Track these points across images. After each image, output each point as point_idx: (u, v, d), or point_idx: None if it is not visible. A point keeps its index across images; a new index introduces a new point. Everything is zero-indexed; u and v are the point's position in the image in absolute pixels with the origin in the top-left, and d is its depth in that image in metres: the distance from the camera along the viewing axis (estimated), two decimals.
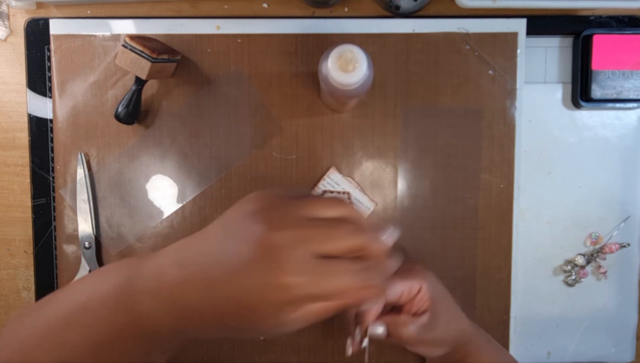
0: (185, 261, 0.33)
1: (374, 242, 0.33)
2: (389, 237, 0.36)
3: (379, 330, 0.47)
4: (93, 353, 0.34)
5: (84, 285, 0.37)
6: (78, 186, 0.55)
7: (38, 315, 0.36)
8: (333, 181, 0.56)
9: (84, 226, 0.56)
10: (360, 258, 0.33)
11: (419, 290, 0.48)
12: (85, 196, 0.55)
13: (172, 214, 0.56)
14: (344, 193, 0.56)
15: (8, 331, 0.37)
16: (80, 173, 0.55)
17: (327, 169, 0.56)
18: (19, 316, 0.38)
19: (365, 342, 0.46)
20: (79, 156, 0.55)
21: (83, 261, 0.56)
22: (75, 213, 0.56)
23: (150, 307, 0.33)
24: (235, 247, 0.32)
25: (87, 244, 0.56)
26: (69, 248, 0.56)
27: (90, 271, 0.56)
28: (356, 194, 0.56)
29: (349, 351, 0.47)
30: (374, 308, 0.46)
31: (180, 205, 0.56)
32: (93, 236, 0.56)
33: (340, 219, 0.34)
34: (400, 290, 0.47)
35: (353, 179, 0.56)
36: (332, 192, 0.56)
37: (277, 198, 0.34)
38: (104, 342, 0.34)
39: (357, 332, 0.47)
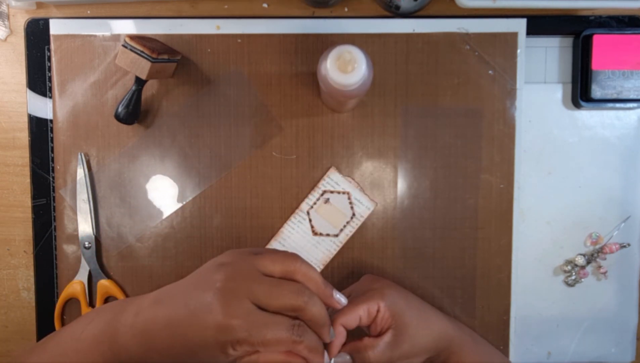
0: (160, 301, 0.40)
1: (311, 305, 0.38)
2: (337, 300, 0.41)
3: (345, 360, 0.46)
4: None
5: (80, 322, 0.43)
6: (78, 186, 0.55)
7: (41, 351, 0.42)
8: (333, 181, 0.56)
9: (84, 226, 0.56)
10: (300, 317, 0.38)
11: (378, 310, 0.47)
12: (85, 196, 0.55)
13: (172, 214, 0.56)
14: (343, 192, 0.56)
15: None
16: (80, 173, 0.55)
17: (327, 169, 0.56)
18: (25, 353, 0.44)
19: None
20: (79, 156, 0.56)
21: (83, 262, 0.56)
22: (75, 213, 0.56)
23: (127, 338, 0.39)
24: (198, 292, 0.38)
25: (87, 244, 0.56)
26: (69, 248, 0.56)
27: (90, 271, 0.56)
28: (356, 194, 0.56)
29: None
30: (336, 341, 0.45)
31: (180, 205, 0.56)
32: (93, 236, 0.56)
33: (290, 279, 0.39)
34: (357, 315, 0.46)
35: (353, 179, 0.56)
36: (331, 192, 0.56)
37: (243, 254, 0.41)
38: None
39: None
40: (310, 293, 0.39)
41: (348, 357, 0.47)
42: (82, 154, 0.56)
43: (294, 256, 0.40)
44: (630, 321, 0.59)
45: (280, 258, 0.40)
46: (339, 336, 0.45)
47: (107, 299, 0.57)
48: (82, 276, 0.56)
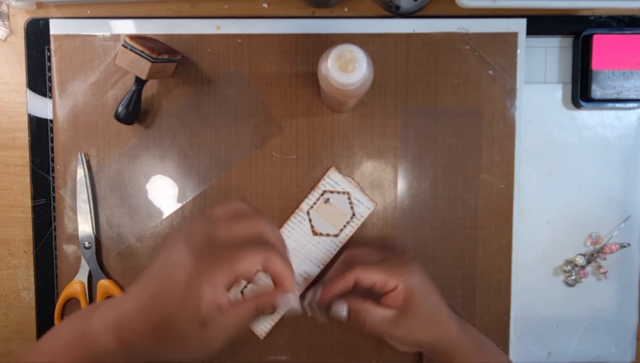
0: (128, 292, 0.39)
1: (269, 229, 0.40)
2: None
3: (341, 309, 0.48)
4: None
5: (65, 322, 0.42)
6: (78, 186, 0.55)
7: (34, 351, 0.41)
8: (333, 181, 0.56)
9: (84, 226, 0.56)
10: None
11: (395, 288, 0.47)
12: (85, 196, 0.55)
13: (172, 214, 0.56)
14: (343, 192, 0.56)
15: None
16: (80, 173, 0.55)
17: (327, 169, 0.56)
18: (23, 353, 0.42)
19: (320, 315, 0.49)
20: (79, 156, 0.55)
21: (83, 261, 0.56)
22: (75, 213, 0.56)
23: (101, 333, 0.38)
24: (160, 268, 0.38)
25: (87, 244, 0.56)
26: (69, 248, 0.56)
27: (90, 271, 0.56)
28: (356, 194, 0.56)
29: (309, 313, 0.50)
30: (339, 284, 0.47)
31: (180, 205, 0.56)
32: (93, 236, 0.56)
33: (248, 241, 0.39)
34: (374, 279, 0.47)
35: (353, 179, 0.56)
36: (331, 192, 0.56)
37: (200, 226, 0.39)
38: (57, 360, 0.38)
39: (317, 309, 0.48)
40: (266, 222, 0.40)
41: (344, 307, 0.48)
42: (82, 154, 0.56)
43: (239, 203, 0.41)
44: (630, 321, 0.59)
45: (227, 208, 0.41)
46: (345, 283, 0.47)
47: (107, 299, 0.57)
48: (82, 276, 0.56)
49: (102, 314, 0.39)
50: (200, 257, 0.37)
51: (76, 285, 0.56)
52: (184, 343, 0.37)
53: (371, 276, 0.47)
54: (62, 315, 0.57)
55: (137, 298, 0.38)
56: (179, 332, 0.36)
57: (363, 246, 0.54)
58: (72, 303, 0.57)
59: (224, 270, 0.36)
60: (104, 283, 0.56)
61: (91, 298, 0.57)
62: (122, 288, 0.57)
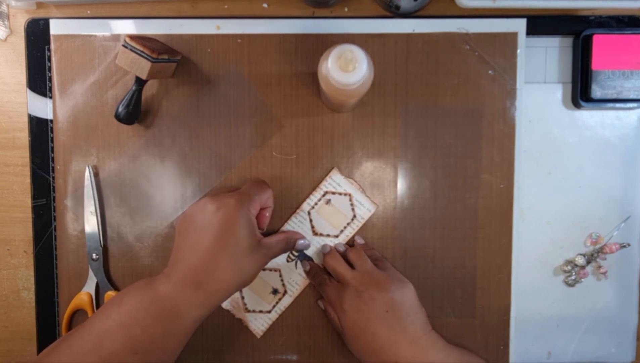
0: (183, 252, 0.47)
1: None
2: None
3: (320, 303, 0.56)
4: (125, 333, 0.43)
5: (103, 312, 0.46)
6: (86, 199, 0.55)
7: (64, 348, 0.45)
8: (335, 183, 0.56)
9: (92, 238, 0.55)
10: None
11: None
12: (92, 209, 0.55)
13: (172, 214, 0.56)
14: (345, 194, 0.56)
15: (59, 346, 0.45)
16: (88, 185, 0.55)
17: (327, 169, 0.56)
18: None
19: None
20: (87, 169, 0.55)
21: (90, 273, 0.56)
22: (75, 214, 0.56)
23: (170, 289, 0.45)
24: (216, 218, 0.47)
25: (94, 256, 0.56)
26: (69, 248, 0.56)
27: (97, 283, 0.56)
28: (357, 196, 0.56)
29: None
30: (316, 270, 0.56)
31: (180, 205, 0.56)
32: (101, 249, 0.56)
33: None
34: (341, 268, 0.54)
35: (355, 181, 0.56)
36: (333, 193, 0.56)
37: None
38: (133, 322, 0.43)
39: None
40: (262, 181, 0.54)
41: (321, 303, 0.56)
42: (90, 166, 0.55)
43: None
44: (630, 321, 0.59)
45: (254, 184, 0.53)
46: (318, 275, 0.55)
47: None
48: (89, 287, 0.56)
49: (165, 281, 0.45)
50: (235, 197, 0.47)
51: (84, 297, 0.56)
52: (250, 264, 0.47)
53: (326, 304, 0.55)
54: (69, 327, 0.57)
55: (201, 252, 0.45)
56: (246, 254, 0.46)
57: (356, 252, 0.55)
58: (79, 315, 0.57)
59: (254, 200, 0.49)
60: (111, 295, 0.56)
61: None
62: None
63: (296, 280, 0.56)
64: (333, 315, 0.54)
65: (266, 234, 0.54)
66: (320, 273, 0.55)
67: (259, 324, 0.57)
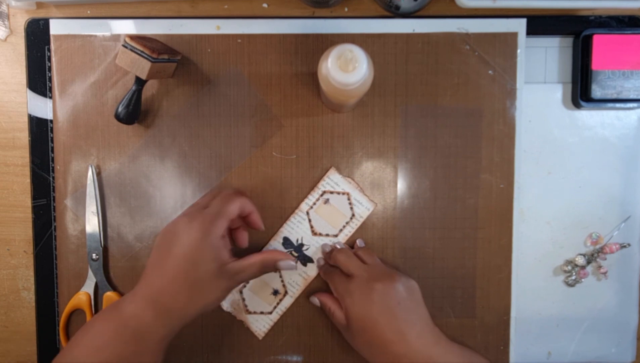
0: (150, 273, 0.48)
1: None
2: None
3: (315, 301, 0.56)
4: (98, 356, 0.44)
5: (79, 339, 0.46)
6: (87, 198, 0.55)
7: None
8: (333, 182, 0.56)
9: (92, 238, 0.56)
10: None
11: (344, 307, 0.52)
12: (94, 209, 0.55)
13: (172, 214, 0.56)
14: (343, 193, 0.56)
15: None
16: (90, 184, 0.55)
17: (327, 169, 0.56)
18: None
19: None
20: (90, 168, 0.55)
21: (90, 273, 0.56)
22: (75, 214, 0.56)
23: (133, 309, 0.45)
24: (180, 241, 0.47)
25: (94, 256, 0.56)
26: (69, 248, 0.56)
27: (96, 283, 0.56)
28: (355, 195, 0.56)
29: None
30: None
31: (180, 205, 0.56)
32: (101, 249, 0.56)
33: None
34: (324, 302, 0.54)
35: (353, 179, 0.56)
36: (331, 193, 0.56)
37: (185, 210, 0.52)
38: (103, 345, 0.44)
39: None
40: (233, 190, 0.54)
41: (316, 301, 0.55)
42: (93, 166, 0.55)
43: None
44: (630, 321, 0.59)
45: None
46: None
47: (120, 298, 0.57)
48: (88, 287, 0.56)
49: (131, 300, 0.46)
50: (199, 219, 0.47)
51: (82, 296, 0.56)
52: (211, 290, 0.47)
53: (323, 299, 0.55)
54: (67, 326, 0.57)
55: (163, 272, 0.46)
56: (206, 279, 0.46)
57: (364, 250, 0.55)
58: (77, 314, 0.57)
59: (219, 219, 0.47)
60: (110, 295, 0.56)
61: (97, 309, 0.57)
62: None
63: (296, 280, 0.56)
64: (333, 309, 0.53)
65: (263, 237, 0.54)
66: (328, 266, 0.55)
67: (260, 325, 0.57)
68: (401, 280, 0.51)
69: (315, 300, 0.55)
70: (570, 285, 0.58)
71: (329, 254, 0.55)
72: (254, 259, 0.49)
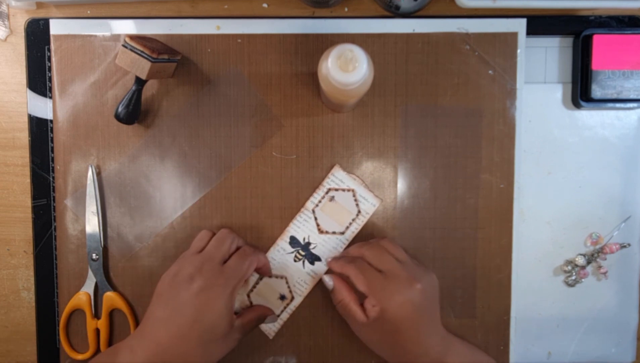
0: (154, 327, 0.47)
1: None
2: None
3: (329, 282, 0.53)
4: None
5: None
6: (87, 198, 0.55)
7: None
8: (337, 179, 0.56)
9: (92, 238, 0.55)
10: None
11: (374, 304, 0.49)
12: (94, 209, 0.55)
13: (172, 214, 0.56)
14: (348, 190, 0.56)
15: None
16: (90, 184, 0.55)
17: (327, 169, 0.56)
18: None
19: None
20: (90, 168, 0.55)
21: (90, 273, 0.56)
22: (75, 214, 0.56)
23: None
24: (195, 303, 0.47)
25: (94, 256, 0.56)
26: (69, 248, 0.56)
27: (96, 283, 0.56)
28: (361, 192, 0.56)
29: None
30: (337, 269, 0.53)
31: (180, 205, 0.56)
32: (101, 249, 0.56)
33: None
34: (360, 289, 0.50)
35: (357, 176, 0.56)
36: (336, 190, 0.56)
37: (192, 259, 0.51)
38: None
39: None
40: (236, 237, 0.54)
41: (330, 282, 0.53)
42: (93, 166, 0.55)
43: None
44: (630, 321, 0.59)
45: (202, 238, 0.54)
46: (344, 269, 0.52)
47: (112, 311, 0.57)
48: (88, 287, 0.56)
49: (129, 354, 0.45)
50: (220, 284, 0.47)
51: (82, 296, 0.56)
52: (222, 348, 0.48)
53: (360, 286, 0.50)
54: (67, 326, 0.57)
55: (172, 329, 0.45)
56: (220, 339, 0.47)
57: (393, 245, 0.53)
58: (77, 314, 0.57)
59: (239, 283, 0.49)
60: (109, 295, 0.56)
61: (97, 309, 0.57)
62: (127, 299, 0.57)
63: (305, 279, 0.56)
64: (348, 302, 0.51)
65: (268, 237, 0.54)
66: (356, 259, 0.52)
67: (270, 325, 0.57)
68: (432, 277, 0.52)
69: (329, 283, 0.53)
70: (570, 285, 0.58)
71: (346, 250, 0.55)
72: (253, 315, 0.52)
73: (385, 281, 0.49)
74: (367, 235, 0.56)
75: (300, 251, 0.56)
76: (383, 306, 0.48)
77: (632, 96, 0.55)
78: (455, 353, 0.51)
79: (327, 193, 0.56)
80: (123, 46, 0.48)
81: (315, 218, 0.56)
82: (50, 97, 0.56)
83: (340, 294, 0.52)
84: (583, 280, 0.58)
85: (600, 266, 0.58)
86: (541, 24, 0.56)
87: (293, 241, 0.56)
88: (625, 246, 0.58)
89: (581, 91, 0.56)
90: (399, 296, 0.48)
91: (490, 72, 0.55)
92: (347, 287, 0.52)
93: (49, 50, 0.55)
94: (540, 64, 0.57)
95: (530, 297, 0.59)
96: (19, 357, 0.60)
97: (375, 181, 0.56)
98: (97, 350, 0.57)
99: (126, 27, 0.55)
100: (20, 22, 0.56)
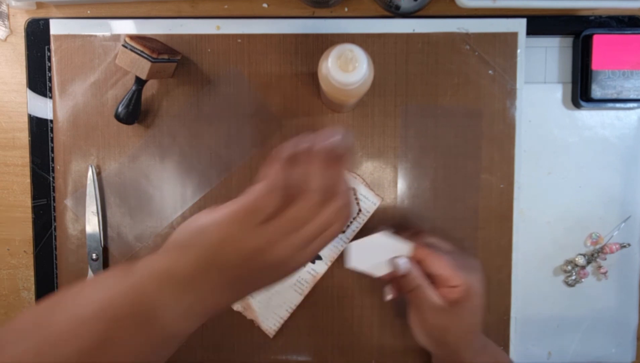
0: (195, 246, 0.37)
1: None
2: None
3: (404, 264, 0.48)
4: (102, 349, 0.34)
5: (94, 284, 0.37)
6: (88, 198, 0.55)
7: (50, 320, 0.35)
8: None
9: (92, 238, 0.55)
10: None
11: (455, 286, 0.46)
12: (94, 209, 0.55)
13: (172, 214, 0.56)
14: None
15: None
16: (90, 184, 0.55)
17: None
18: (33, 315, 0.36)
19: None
20: (90, 168, 0.55)
21: (90, 273, 0.56)
22: (75, 214, 0.56)
23: (146, 282, 0.35)
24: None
25: (94, 256, 0.56)
26: (69, 248, 0.56)
27: None
28: (361, 190, 0.56)
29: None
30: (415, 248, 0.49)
31: (180, 205, 0.56)
32: (101, 249, 0.56)
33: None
34: (441, 272, 0.47)
35: (358, 175, 0.56)
36: None
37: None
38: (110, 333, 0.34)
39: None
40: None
41: (406, 262, 0.48)
42: (93, 166, 0.55)
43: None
44: (630, 321, 0.59)
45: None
46: (418, 251, 0.48)
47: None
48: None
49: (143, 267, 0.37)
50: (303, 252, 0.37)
51: None
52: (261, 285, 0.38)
53: (440, 267, 0.47)
54: None
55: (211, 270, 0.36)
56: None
57: (434, 236, 0.52)
58: None
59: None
60: None
61: None
62: None
63: (305, 278, 0.56)
64: (422, 282, 0.47)
65: None
66: (422, 279, 0.48)
67: (270, 323, 0.57)
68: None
69: (405, 266, 0.48)
70: (570, 285, 0.58)
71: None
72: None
73: (465, 260, 0.48)
74: (368, 234, 0.56)
75: None
76: (468, 284, 0.46)
77: (632, 96, 0.55)
78: (490, 347, 0.51)
79: None
80: (123, 46, 0.48)
81: None
82: (50, 97, 0.56)
83: (418, 278, 0.47)
84: (583, 280, 0.58)
85: (600, 266, 0.58)
86: (541, 24, 0.56)
87: None
88: (625, 246, 0.58)
89: (581, 91, 0.56)
90: (479, 274, 0.48)
91: (490, 72, 0.55)
92: (422, 271, 0.48)
93: (49, 50, 0.55)
94: (540, 64, 0.57)
95: (530, 297, 0.59)
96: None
97: (375, 181, 0.56)
98: None
99: (126, 27, 0.55)
100: (20, 22, 0.56)
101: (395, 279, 0.49)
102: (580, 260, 0.58)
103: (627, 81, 0.54)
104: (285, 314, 0.56)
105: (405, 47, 0.55)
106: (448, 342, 0.49)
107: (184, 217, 0.56)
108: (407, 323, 0.51)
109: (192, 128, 0.56)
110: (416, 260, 0.48)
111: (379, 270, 0.49)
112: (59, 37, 0.55)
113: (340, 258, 0.56)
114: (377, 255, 0.49)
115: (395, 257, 0.49)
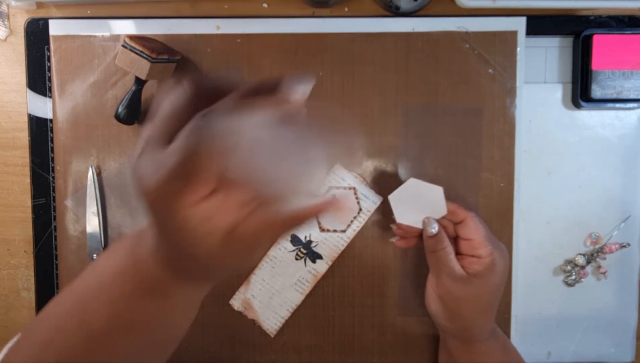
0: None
1: None
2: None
3: (433, 226, 0.49)
4: (113, 314, 0.34)
5: (99, 260, 0.37)
6: (88, 199, 0.55)
7: (65, 295, 0.36)
8: (338, 177, 0.56)
9: (92, 238, 0.55)
10: None
11: (481, 257, 0.47)
12: (94, 209, 0.55)
13: None
14: (349, 188, 0.56)
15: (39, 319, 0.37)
16: (90, 184, 0.55)
17: (327, 168, 0.56)
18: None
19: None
20: (90, 168, 0.55)
21: None
22: (75, 214, 0.56)
23: (147, 251, 0.34)
24: None
25: (95, 256, 0.56)
26: (69, 248, 0.56)
27: None
28: (362, 189, 0.56)
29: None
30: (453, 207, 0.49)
31: None
32: (101, 248, 0.56)
33: None
34: (474, 236, 0.48)
35: (358, 174, 0.56)
36: (337, 188, 0.56)
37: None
38: (118, 299, 0.34)
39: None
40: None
41: (436, 227, 0.49)
42: (93, 166, 0.55)
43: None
44: (630, 321, 0.59)
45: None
46: (459, 210, 0.49)
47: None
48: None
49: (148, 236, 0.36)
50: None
51: None
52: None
53: (474, 231, 0.48)
54: None
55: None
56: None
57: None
58: None
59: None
60: None
61: None
62: None
63: (306, 277, 0.56)
64: (450, 251, 0.48)
65: None
66: (448, 245, 0.49)
67: (271, 323, 0.57)
68: None
69: (434, 226, 0.49)
70: (570, 285, 0.58)
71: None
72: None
73: (497, 240, 0.49)
74: (368, 233, 0.56)
75: (302, 250, 0.56)
76: (494, 259, 0.47)
77: (632, 96, 0.55)
78: (500, 335, 0.52)
79: (328, 191, 0.56)
80: (123, 46, 0.48)
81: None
82: (50, 97, 0.56)
83: (445, 241, 0.48)
84: (583, 279, 0.58)
85: (600, 266, 0.58)
86: (541, 23, 0.56)
87: (294, 239, 0.56)
88: (624, 246, 0.58)
89: (581, 91, 0.56)
90: (506, 257, 0.49)
91: (490, 70, 0.55)
92: (448, 238, 0.49)
93: (48, 50, 0.55)
94: (540, 64, 0.57)
95: (530, 297, 0.59)
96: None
97: (375, 181, 0.56)
98: None
99: (126, 27, 0.55)
100: (20, 22, 0.56)
101: (420, 237, 0.50)
102: (580, 260, 0.58)
103: (627, 81, 0.54)
104: (286, 314, 0.56)
105: (405, 46, 0.55)
106: (461, 315, 0.49)
107: None
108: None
109: None
110: (452, 220, 0.50)
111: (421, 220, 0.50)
112: (59, 38, 0.55)
113: (341, 258, 0.56)
114: (416, 204, 0.50)
115: (427, 217, 0.49)
